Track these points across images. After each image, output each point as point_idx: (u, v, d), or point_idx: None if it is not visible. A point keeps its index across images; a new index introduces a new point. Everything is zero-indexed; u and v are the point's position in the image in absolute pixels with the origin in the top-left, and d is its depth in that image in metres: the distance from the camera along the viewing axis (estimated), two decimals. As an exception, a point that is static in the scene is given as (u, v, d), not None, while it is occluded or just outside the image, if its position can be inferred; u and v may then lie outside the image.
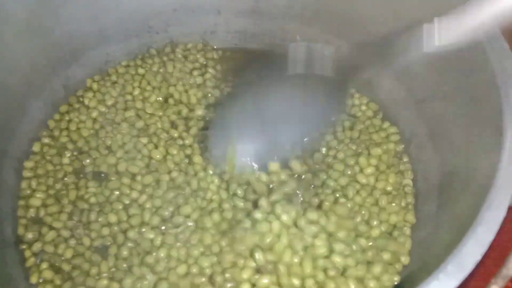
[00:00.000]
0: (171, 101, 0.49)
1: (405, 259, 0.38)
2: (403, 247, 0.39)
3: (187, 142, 0.46)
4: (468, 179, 0.34)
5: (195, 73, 0.52)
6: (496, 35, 0.35)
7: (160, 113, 0.48)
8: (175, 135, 0.47)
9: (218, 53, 0.55)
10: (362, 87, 0.49)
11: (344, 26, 0.49)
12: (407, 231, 0.40)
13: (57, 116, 0.49)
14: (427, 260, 0.33)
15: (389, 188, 0.43)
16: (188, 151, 0.46)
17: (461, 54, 0.38)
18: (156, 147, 0.46)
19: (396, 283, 0.36)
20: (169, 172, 0.44)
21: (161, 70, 0.52)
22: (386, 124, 0.47)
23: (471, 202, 0.30)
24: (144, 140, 0.46)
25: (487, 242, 0.25)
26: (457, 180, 0.36)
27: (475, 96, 0.36)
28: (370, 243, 0.39)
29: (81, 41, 0.49)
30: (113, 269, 0.39)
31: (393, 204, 0.42)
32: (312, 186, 0.43)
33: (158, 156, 0.45)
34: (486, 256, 0.25)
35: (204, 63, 0.53)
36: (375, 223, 0.40)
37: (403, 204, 0.42)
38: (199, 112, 0.49)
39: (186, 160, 0.45)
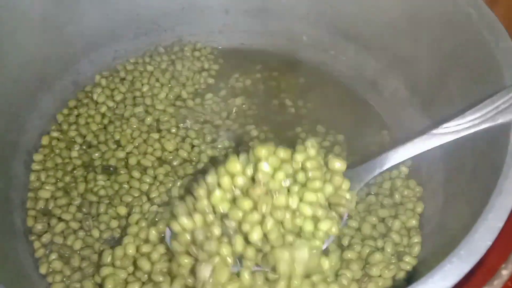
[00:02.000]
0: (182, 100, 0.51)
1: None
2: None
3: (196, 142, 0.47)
4: (474, 171, 0.35)
5: (204, 74, 0.53)
6: (502, 33, 0.36)
7: (171, 110, 0.49)
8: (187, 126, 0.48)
9: (224, 53, 0.56)
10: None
11: (351, 27, 0.50)
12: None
13: (65, 111, 0.49)
14: (436, 251, 0.34)
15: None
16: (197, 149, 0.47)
17: (468, 52, 0.39)
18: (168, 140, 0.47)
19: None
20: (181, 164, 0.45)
21: (170, 68, 0.53)
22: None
23: (479, 191, 0.30)
24: (155, 135, 0.47)
25: (497, 228, 0.26)
26: (463, 174, 0.37)
27: (482, 93, 0.37)
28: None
29: (91, 38, 0.50)
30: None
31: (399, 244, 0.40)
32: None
33: (171, 148, 0.46)
34: (496, 242, 0.25)
35: (212, 62, 0.54)
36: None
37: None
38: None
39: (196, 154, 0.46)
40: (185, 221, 0.33)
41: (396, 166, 0.45)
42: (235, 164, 0.33)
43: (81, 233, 0.41)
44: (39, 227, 0.41)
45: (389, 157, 0.36)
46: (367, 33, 0.49)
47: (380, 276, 0.37)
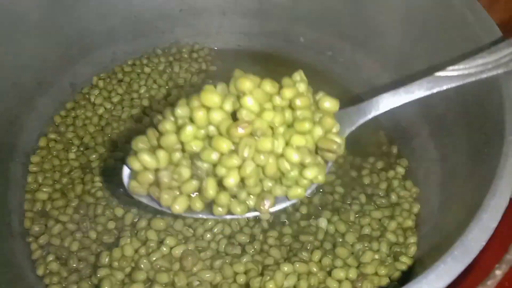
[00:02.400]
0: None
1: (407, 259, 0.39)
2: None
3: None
4: (470, 173, 0.35)
5: (202, 75, 0.53)
6: (497, 35, 0.36)
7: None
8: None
9: (222, 55, 0.56)
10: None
11: (348, 28, 0.51)
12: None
13: (63, 113, 0.49)
14: (432, 251, 0.34)
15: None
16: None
17: (462, 53, 0.39)
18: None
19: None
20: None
21: (167, 70, 0.53)
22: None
23: (474, 192, 0.30)
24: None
25: (491, 228, 0.26)
26: (459, 175, 0.37)
27: (476, 93, 0.37)
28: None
29: (89, 40, 0.50)
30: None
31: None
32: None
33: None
34: (490, 243, 0.25)
35: (209, 63, 0.54)
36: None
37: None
38: None
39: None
40: (146, 158, 0.28)
41: (392, 167, 0.46)
42: (211, 96, 0.27)
43: (78, 235, 0.41)
44: (36, 228, 0.42)
45: (386, 98, 0.32)
46: (363, 34, 0.49)
47: (376, 274, 0.37)
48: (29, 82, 0.46)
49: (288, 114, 0.29)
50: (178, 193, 0.29)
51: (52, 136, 0.47)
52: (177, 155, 0.28)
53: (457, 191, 0.37)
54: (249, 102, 0.28)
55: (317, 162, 0.30)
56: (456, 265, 0.24)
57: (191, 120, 0.28)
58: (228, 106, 0.28)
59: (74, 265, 0.40)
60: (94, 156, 0.46)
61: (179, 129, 0.28)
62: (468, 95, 0.39)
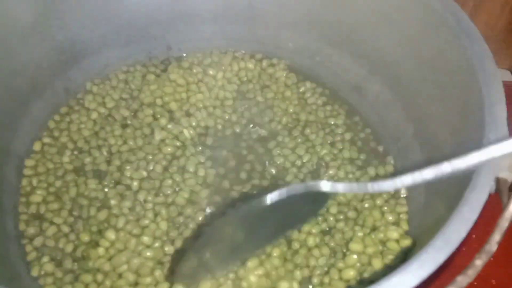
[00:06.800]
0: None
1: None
2: None
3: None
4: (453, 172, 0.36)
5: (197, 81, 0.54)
6: (478, 38, 0.38)
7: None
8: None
9: (213, 60, 0.57)
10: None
11: (335, 34, 0.52)
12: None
13: (57, 117, 0.50)
14: (418, 244, 0.35)
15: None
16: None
17: (445, 56, 0.40)
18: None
19: None
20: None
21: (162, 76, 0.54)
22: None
23: (456, 189, 0.32)
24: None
25: (471, 221, 0.27)
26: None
27: (458, 95, 0.39)
28: None
29: (82, 46, 0.51)
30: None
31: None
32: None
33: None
34: (471, 234, 0.27)
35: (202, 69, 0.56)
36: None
37: None
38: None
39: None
40: None
41: (379, 166, 0.47)
42: None
43: (72, 236, 0.42)
44: (31, 231, 0.42)
45: None
46: (350, 39, 0.51)
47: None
48: (23, 87, 0.46)
49: None
50: None
51: (46, 140, 0.48)
52: None
53: (441, 188, 0.38)
54: None
55: None
56: (438, 255, 0.25)
57: None
58: None
59: (69, 266, 0.40)
60: (88, 159, 0.47)
61: None
62: (450, 95, 0.40)
